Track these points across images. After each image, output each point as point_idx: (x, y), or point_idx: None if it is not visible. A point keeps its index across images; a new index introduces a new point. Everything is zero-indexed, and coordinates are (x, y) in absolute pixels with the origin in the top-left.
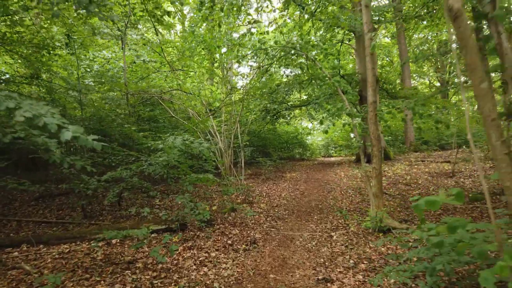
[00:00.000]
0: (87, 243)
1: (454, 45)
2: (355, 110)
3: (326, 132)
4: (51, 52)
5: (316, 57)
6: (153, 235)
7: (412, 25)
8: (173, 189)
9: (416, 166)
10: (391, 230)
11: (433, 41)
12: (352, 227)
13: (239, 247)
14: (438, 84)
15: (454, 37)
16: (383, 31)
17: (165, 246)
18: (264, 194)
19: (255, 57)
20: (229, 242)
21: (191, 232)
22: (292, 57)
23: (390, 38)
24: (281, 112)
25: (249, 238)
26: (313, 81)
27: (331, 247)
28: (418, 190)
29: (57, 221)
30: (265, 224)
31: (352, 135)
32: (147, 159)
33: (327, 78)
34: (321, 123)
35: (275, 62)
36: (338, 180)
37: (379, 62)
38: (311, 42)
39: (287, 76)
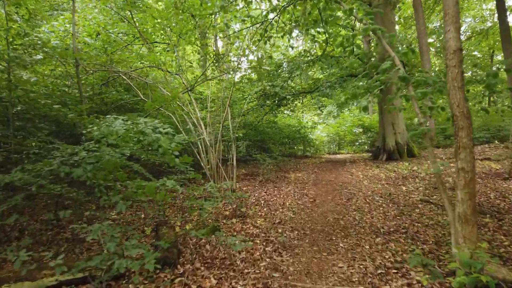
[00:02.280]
0: None
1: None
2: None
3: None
4: None
5: None
6: None
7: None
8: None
9: (451, 164)
10: None
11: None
12: (417, 273)
13: None
14: None
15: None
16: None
17: None
18: (263, 202)
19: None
20: None
21: (130, 286)
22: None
23: (403, 22)
24: (285, 98)
25: None
26: (326, 56)
27: None
28: None
29: None
30: (262, 261)
31: (356, 130)
32: (61, 154)
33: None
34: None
35: (278, 18)
36: (356, 183)
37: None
38: None
39: (292, 48)
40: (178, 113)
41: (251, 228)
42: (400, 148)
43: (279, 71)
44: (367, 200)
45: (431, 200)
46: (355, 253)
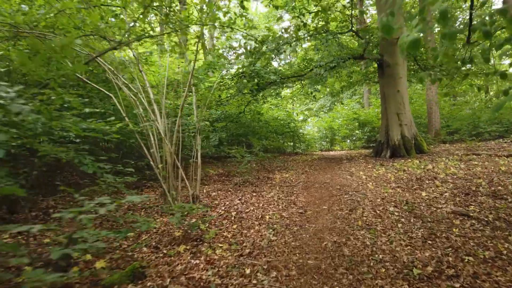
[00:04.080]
0: None
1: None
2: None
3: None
4: None
5: None
6: None
7: None
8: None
9: (474, 163)
10: None
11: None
12: None
13: None
14: None
15: None
16: None
17: None
18: (233, 215)
19: None
20: None
21: None
22: None
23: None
24: (272, 82)
25: None
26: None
27: None
28: None
29: None
30: None
31: (348, 125)
32: None
33: None
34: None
35: None
36: (359, 186)
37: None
38: None
39: (277, 8)
40: (121, 94)
41: (202, 265)
42: (407, 142)
43: (264, 47)
44: (378, 211)
45: (470, 213)
46: None
